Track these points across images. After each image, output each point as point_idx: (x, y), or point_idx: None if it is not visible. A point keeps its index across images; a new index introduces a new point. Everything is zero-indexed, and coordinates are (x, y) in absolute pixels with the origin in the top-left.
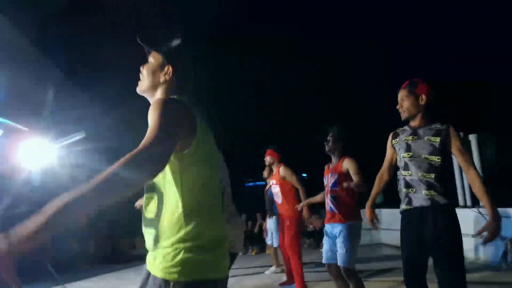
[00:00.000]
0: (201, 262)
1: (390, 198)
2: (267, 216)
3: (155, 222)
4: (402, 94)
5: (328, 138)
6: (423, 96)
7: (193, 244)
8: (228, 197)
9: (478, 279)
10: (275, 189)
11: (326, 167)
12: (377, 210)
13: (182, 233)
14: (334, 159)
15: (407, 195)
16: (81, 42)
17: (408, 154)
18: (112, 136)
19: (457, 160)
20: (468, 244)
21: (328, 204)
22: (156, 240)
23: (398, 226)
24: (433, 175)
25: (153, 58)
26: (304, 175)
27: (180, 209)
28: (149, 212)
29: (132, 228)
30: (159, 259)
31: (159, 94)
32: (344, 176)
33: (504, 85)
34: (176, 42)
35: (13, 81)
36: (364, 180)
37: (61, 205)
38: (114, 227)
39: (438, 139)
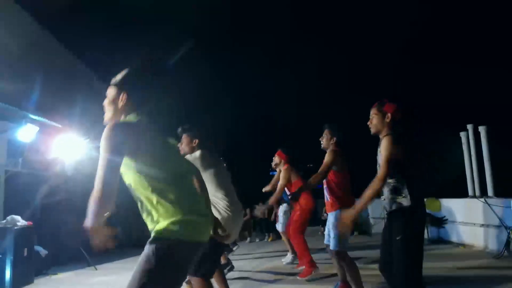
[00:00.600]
0: (177, 228)
1: None
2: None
3: (146, 213)
4: (372, 112)
5: (323, 135)
6: (389, 115)
7: (169, 217)
8: (233, 194)
9: (485, 265)
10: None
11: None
12: None
13: (160, 213)
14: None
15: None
16: (109, 41)
17: (378, 165)
18: None
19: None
20: (477, 233)
21: (325, 194)
22: (150, 224)
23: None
24: (392, 180)
25: (110, 92)
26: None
27: (153, 200)
28: (140, 208)
29: None
30: (153, 234)
31: (120, 117)
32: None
33: None
34: (125, 72)
35: (47, 82)
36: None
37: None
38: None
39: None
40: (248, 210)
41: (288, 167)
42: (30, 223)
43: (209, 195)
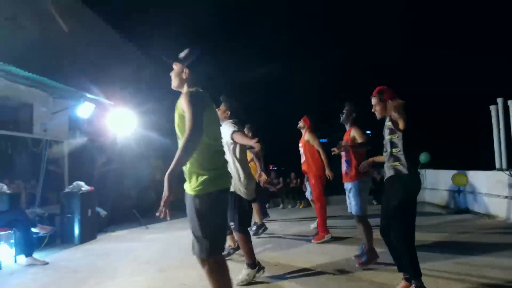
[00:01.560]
0: (214, 179)
1: (435, 160)
2: None
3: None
4: (373, 101)
5: (344, 110)
6: (390, 102)
7: (208, 169)
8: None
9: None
10: (300, 150)
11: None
12: (422, 171)
13: (200, 164)
14: (347, 128)
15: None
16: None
17: (385, 141)
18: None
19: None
20: (502, 205)
21: (343, 166)
22: (188, 171)
23: (441, 186)
24: (395, 150)
25: (175, 66)
26: (325, 140)
27: (199, 148)
28: None
29: None
30: (189, 183)
31: (185, 87)
32: (351, 143)
33: None
34: (186, 53)
35: (102, 65)
36: (366, 142)
37: (175, 162)
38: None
39: (391, 123)
40: (281, 179)
41: (311, 132)
42: (92, 188)
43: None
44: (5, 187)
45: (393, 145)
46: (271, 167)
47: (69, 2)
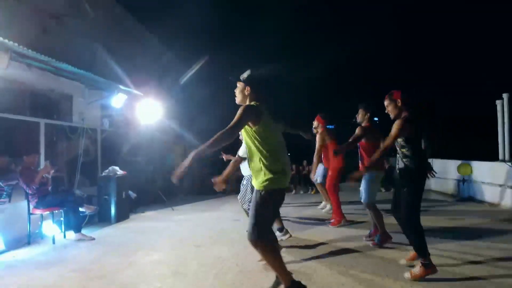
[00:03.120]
0: (275, 179)
1: (440, 150)
2: None
3: (253, 164)
4: (385, 102)
5: (359, 111)
6: (399, 100)
7: (271, 171)
8: None
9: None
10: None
11: None
12: (429, 160)
13: (265, 166)
14: None
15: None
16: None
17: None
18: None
19: None
20: (503, 193)
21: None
22: (255, 171)
23: (447, 175)
24: (404, 149)
25: (239, 85)
26: (332, 126)
27: (263, 154)
28: (251, 160)
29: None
30: (256, 180)
31: (247, 102)
32: (365, 141)
33: None
34: (248, 74)
35: (132, 59)
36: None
37: (203, 146)
38: (202, 167)
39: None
40: (294, 167)
41: (324, 130)
42: (125, 172)
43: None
44: (53, 170)
45: (401, 145)
46: None
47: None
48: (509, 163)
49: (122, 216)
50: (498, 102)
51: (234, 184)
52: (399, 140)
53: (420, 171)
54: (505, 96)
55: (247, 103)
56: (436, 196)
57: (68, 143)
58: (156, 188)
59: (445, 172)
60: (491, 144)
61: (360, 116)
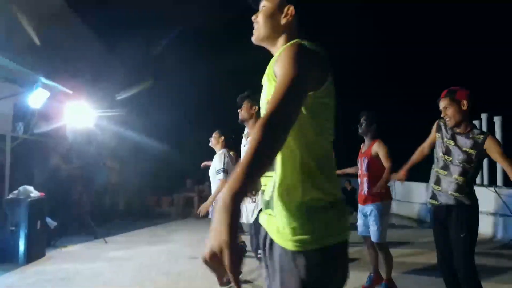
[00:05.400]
0: (332, 220)
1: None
2: None
3: (282, 182)
4: (444, 103)
5: (361, 121)
6: (464, 102)
7: (317, 204)
8: None
9: (493, 252)
10: None
11: (360, 148)
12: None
13: (314, 187)
14: (366, 141)
15: (433, 190)
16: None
17: (448, 158)
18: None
19: (498, 162)
20: (486, 222)
21: (363, 187)
22: (277, 201)
23: (412, 199)
24: (462, 179)
25: (268, 1)
26: None
27: (309, 161)
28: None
29: (156, 187)
30: (286, 229)
31: (282, 41)
32: (374, 159)
33: None
34: None
35: (59, 44)
36: (391, 164)
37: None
38: (141, 186)
39: (474, 152)
40: None
41: None
42: (43, 194)
43: None
44: None
45: (462, 172)
46: None
47: None
48: (492, 188)
49: (35, 254)
50: (475, 123)
51: (180, 208)
52: (465, 165)
53: (476, 207)
54: (483, 116)
55: (285, 42)
56: (402, 221)
57: None
58: (82, 213)
59: (409, 196)
60: None
61: (364, 126)
